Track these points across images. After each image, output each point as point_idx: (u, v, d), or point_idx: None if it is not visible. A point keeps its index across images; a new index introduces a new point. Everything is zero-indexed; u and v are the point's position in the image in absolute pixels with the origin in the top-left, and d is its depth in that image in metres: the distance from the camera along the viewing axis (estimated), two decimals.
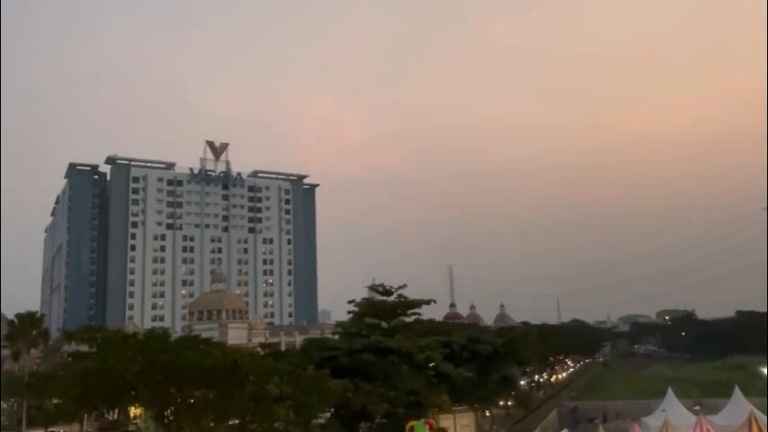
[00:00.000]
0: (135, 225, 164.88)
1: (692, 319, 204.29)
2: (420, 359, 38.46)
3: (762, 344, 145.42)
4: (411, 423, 30.06)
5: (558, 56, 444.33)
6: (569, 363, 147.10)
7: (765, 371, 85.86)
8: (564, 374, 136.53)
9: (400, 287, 42.64)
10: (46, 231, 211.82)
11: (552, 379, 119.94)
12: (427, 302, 43.59)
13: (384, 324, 43.52)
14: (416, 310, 43.51)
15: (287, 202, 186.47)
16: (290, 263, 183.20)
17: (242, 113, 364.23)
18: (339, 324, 43.31)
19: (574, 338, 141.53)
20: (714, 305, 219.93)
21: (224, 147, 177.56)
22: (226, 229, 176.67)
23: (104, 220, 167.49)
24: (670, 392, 59.07)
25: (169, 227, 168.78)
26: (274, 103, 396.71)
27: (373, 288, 43.55)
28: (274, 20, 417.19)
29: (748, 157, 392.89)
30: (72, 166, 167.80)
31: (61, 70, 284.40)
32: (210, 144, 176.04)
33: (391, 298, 42.89)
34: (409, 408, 35.63)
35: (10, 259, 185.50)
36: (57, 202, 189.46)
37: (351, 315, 44.32)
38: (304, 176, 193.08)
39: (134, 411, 34.84)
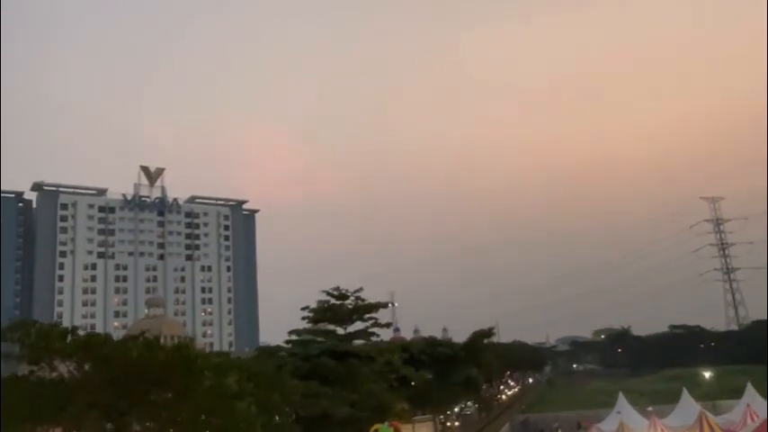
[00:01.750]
0: (63, 254, 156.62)
1: (628, 336, 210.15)
2: (380, 362, 37.04)
3: (694, 355, 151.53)
4: (375, 426, 28.49)
5: (502, 81, 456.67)
6: (512, 383, 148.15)
7: (706, 375, 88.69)
8: (509, 393, 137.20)
9: (357, 290, 41.30)
10: None
11: (498, 397, 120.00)
12: (384, 306, 42.27)
13: (341, 330, 41.95)
14: (373, 315, 42.17)
15: (226, 228, 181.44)
16: (229, 290, 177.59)
17: (178, 139, 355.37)
18: (293, 331, 41.37)
19: (517, 356, 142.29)
20: (648, 321, 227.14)
21: (159, 172, 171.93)
22: (161, 257, 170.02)
23: (30, 249, 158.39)
24: (621, 397, 59.38)
25: (100, 255, 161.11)
26: (211, 129, 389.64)
27: (329, 293, 41.94)
28: (211, 45, 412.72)
29: (676, 176, 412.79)
30: None
31: None
32: (145, 169, 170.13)
33: (348, 301, 41.46)
34: (371, 412, 34.07)
35: None
36: None
37: (305, 320, 42.53)
38: (243, 202, 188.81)
39: None
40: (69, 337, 23.02)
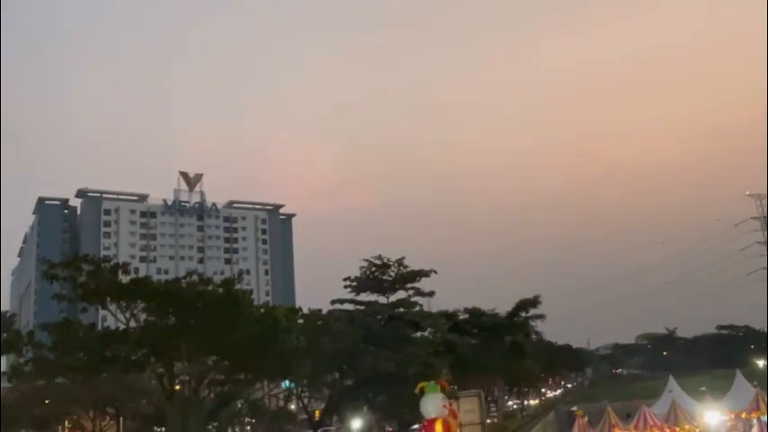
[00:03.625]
0: (107, 259, 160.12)
1: (673, 338, 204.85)
2: (425, 327, 36.67)
3: (742, 355, 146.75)
4: (421, 384, 28.08)
5: (541, 85, 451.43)
6: (551, 383, 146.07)
7: (760, 365, 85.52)
8: (551, 394, 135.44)
9: (400, 259, 40.96)
10: (13, 274, 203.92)
11: (541, 398, 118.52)
12: (427, 274, 41.71)
13: (383, 300, 41.64)
14: (416, 285, 41.71)
15: (263, 232, 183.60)
16: (267, 294, 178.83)
17: (215, 146, 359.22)
18: (335, 300, 41.23)
19: (562, 356, 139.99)
20: (694, 323, 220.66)
21: (198, 177, 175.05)
22: (201, 261, 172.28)
23: (75, 254, 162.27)
24: (672, 380, 57.53)
25: (143, 260, 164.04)
26: (246, 136, 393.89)
27: (371, 261, 41.72)
28: (249, 53, 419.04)
29: (720, 173, 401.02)
30: (41, 201, 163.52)
31: (21, 102, 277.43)
32: (184, 175, 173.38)
33: (390, 270, 41.17)
34: (418, 373, 33.65)
35: None
36: (24, 241, 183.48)
37: (348, 290, 42.33)
38: (280, 206, 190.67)
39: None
40: (121, 274, 23.31)
